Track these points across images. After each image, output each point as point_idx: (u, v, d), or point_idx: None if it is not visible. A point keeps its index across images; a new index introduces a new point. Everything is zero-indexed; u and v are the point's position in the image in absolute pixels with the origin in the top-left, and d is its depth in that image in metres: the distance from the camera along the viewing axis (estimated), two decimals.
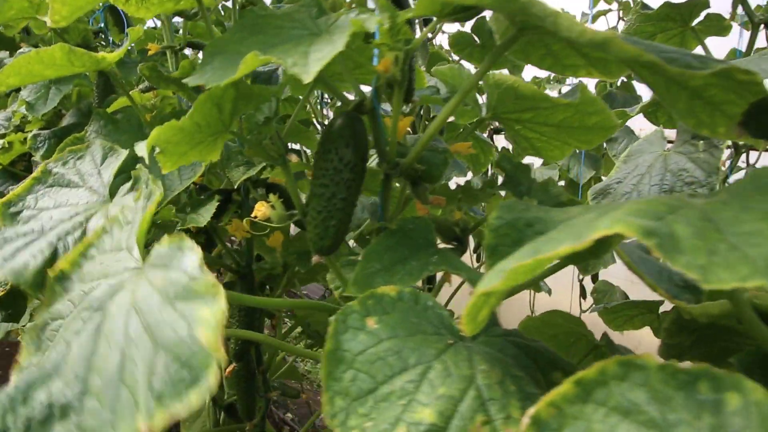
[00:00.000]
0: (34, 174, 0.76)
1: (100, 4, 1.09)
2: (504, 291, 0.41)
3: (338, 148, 0.59)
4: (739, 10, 1.17)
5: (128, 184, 0.72)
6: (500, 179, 0.81)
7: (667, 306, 1.31)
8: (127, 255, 0.51)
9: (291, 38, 0.49)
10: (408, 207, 0.76)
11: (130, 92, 1.07)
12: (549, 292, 1.97)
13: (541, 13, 0.37)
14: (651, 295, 1.13)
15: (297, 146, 1.22)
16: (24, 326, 1.08)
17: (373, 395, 0.42)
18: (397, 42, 0.52)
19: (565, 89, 2.39)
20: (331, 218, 0.60)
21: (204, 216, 0.79)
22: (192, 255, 0.42)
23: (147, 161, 0.49)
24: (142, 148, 0.50)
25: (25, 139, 1.25)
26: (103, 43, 1.41)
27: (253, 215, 0.66)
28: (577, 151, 1.88)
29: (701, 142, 0.99)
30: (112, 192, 0.74)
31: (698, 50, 1.42)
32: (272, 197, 0.66)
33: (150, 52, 1.07)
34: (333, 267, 0.65)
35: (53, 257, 0.63)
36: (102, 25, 1.39)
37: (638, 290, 0.95)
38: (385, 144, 0.63)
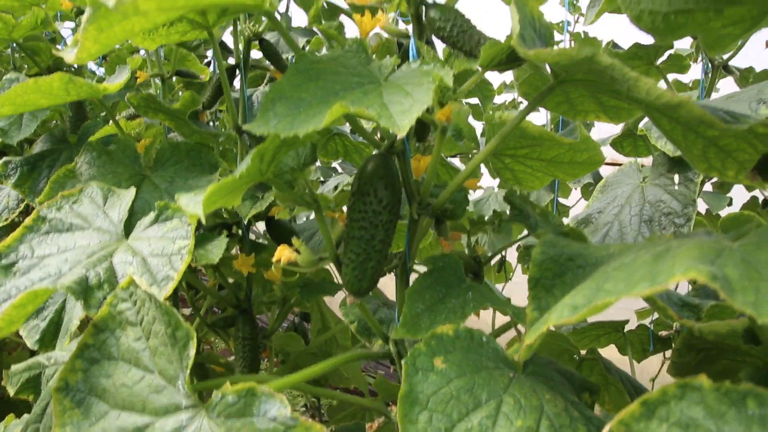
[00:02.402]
0: (24, 223, 0.73)
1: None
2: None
3: (377, 190, 0.60)
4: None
5: (149, 218, 0.71)
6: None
7: (632, 325, 1.37)
8: (170, 388, 0.51)
9: (353, 86, 0.50)
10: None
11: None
12: None
13: (620, 77, 0.40)
14: (615, 315, 1.19)
15: None
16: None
17: None
18: (446, 90, 0.54)
19: None
20: (370, 260, 0.61)
21: (214, 252, 0.78)
22: (275, 401, 0.44)
23: (203, 220, 0.48)
24: (195, 206, 0.49)
25: None
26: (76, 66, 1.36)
27: (275, 259, 0.66)
28: None
29: (676, 175, 1.07)
30: (127, 229, 0.72)
31: (661, 84, 1.52)
32: (296, 241, 0.66)
33: (139, 80, 1.04)
34: (363, 309, 0.65)
35: (85, 285, 0.62)
36: None
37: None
38: (413, 185, 0.65)
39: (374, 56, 0.62)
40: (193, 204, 0.51)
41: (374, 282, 0.62)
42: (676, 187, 1.05)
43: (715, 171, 0.60)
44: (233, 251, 1.12)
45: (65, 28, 1.97)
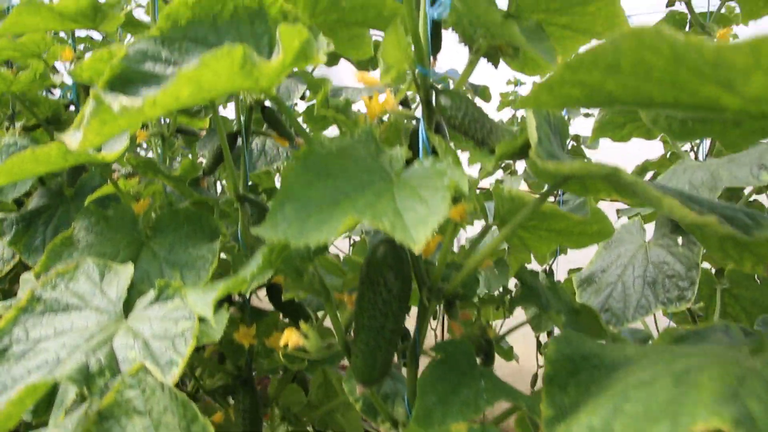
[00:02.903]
0: (17, 304, 0.70)
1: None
2: None
3: (386, 278, 0.58)
4: None
5: (150, 297, 0.69)
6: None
7: None
8: None
9: (364, 185, 0.49)
10: None
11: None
12: (517, 359, 2.00)
13: (642, 193, 0.39)
14: None
15: None
16: None
17: None
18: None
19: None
20: (380, 349, 0.59)
21: (216, 329, 0.76)
22: None
23: (213, 322, 0.46)
24: (203, 307, 0.48)
25: None
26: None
27: (282, 343, 0.64)
28: None
29: (680, 237, 1.06)
30: (126, 306, 0.70)
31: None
32: (304, 326, 0.64)
33: (138, 139, 1.03)
34: (374, 399, 0.63)
35: (86, 373, 0.59)
36: (72, 97, 1.34)
37: None
38: (423, 270, 0.63)
39: (382, 135, 0.62)
40: (202, 304, 0.50)
41: (385, 372, 0.60)
42: (680, 249, 1.05)
43: (732, 260, 0.59)
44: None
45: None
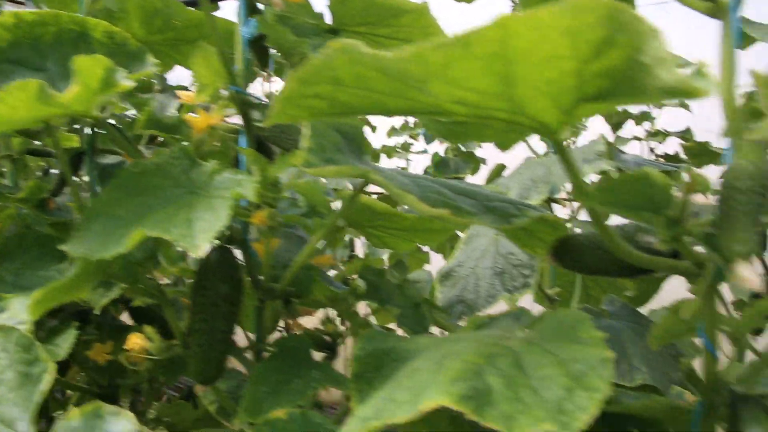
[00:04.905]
0: None
1: None
2: None
3: (214, 284, 0.62)
4: None
5: None
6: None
7: None
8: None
9: (170, 199, 0.52)
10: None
11: None
12: None
13: (391, 193, 0.46)
14: None
15: None
16: None
17: None
18: (267, 190, 0.58)
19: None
20: (213, 350, 0.62)
21: (63, 347, 0.76)
22: (120, 419, 0.43)
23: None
24: (23, 311, 0.50)
25: None
26: None
27: (128, 347, 0.66)
28: None
29: None
30: None
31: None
32: (147, 329, 0.67)
33: None
34: (217, 392, 0.67)
35: None
36: None
37: None
38: (257, 272, 0.68)
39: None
40: (21, 309, 0.51)
41: (220, 369, 0.64)
42: None
43: (529, 248, 0.68)
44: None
45: None
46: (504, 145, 0.69)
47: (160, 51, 1.00)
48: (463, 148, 2.32)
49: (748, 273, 0.33)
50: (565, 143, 0.38)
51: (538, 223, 0.57)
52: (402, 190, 0.43)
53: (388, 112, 0.43)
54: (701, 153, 1.33)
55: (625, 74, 0.28)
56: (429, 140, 2.40)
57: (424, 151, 2.49)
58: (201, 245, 0.44)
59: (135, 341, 0.66)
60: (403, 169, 2.35)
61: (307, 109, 0.41)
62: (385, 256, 1.99)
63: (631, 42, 0.25)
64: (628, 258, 0.42)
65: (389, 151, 2.64)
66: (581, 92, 0.31)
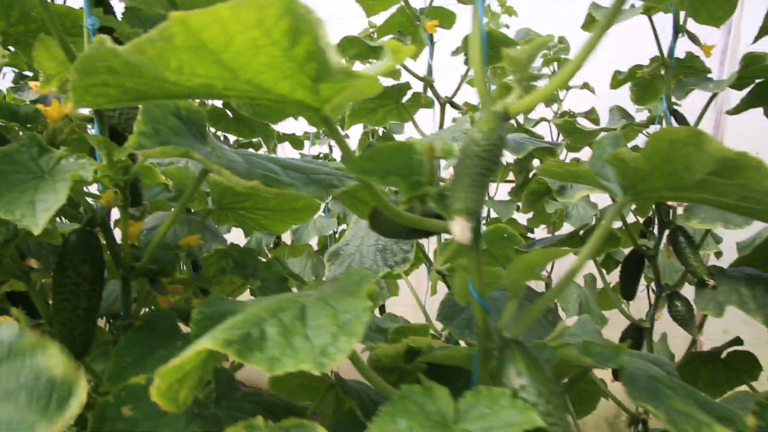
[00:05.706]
0: None
1: None
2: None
3: (75, 264, 0.66)
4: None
5: None
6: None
7: None
8: None
9: (16, 184, 0.56)
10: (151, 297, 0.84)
11: None
12: None
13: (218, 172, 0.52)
14: None
15: None
16: None
17: None
18: (117, 173, 0.63)
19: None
20: (77, 327, 0.66)
21: None
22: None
23: None
24: None
25: None
26: None
27: None
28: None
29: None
30: None
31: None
32: (14, 310, 0.69)
33: None
34: (87, 367, 0.71)
35: None
36: None
37: None
38: (119, 251, 0.72)
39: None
40: None
41: (86, 346, 0.68)
42: None
43: (360, 213, 0.76)
44: None
45: None
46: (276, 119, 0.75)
47: (24, 43, 0.99)
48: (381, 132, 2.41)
49: (459, 228, 0.40)
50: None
51: (361, 189, 0.65)
52: (221, 166, 0.49)
53: (172, 96, 0.44)
54: (574, 131, 1.46)
55: (324, 57, 0.33)
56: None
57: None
58: (40, 223, 0.48)
59: (1, 322, 0.69)
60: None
61: (104, 96, 0.43)
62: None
63: (311, 29, 0.31)
64: (402, 220, 0.48)
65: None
66: (306, 74, 0.35)
